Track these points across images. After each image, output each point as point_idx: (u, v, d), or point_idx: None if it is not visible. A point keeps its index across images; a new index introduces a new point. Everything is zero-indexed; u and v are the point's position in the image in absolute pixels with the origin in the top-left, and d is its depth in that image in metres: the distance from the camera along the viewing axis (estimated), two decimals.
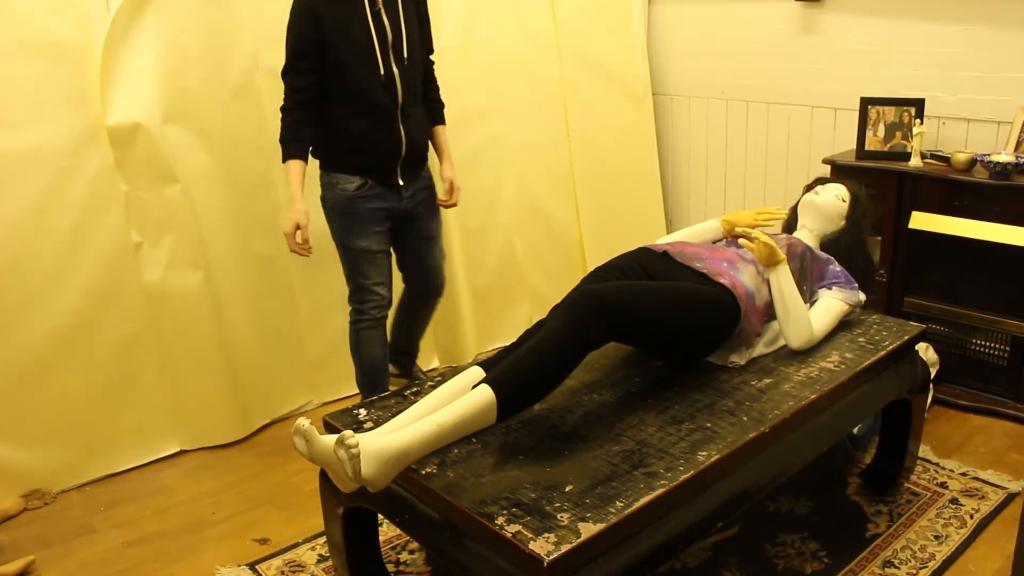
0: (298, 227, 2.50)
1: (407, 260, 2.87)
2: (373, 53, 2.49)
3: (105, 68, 2.58)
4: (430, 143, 2.79)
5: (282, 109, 2.52)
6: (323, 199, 2.67)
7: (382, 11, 2.51)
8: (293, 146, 2.51)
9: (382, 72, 2.51)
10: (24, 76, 2.47)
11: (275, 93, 2.90)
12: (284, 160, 2.52)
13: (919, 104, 3.01)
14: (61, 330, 2.63)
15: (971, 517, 2.37)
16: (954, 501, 2.45)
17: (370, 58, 2.49)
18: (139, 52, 2.63)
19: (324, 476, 1.94)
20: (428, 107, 2.77)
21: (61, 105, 2.54)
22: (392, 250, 2.79)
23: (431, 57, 2.79)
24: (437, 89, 2.83)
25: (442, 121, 2.83)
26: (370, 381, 2.77)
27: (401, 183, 2.65)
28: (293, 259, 3.07)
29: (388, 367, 2.85)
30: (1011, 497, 2.45)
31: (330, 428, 1.95)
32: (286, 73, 2.51)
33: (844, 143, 3.39)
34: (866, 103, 3.09)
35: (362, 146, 2.55)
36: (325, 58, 2.48)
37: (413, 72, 2.61)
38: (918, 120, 2.99)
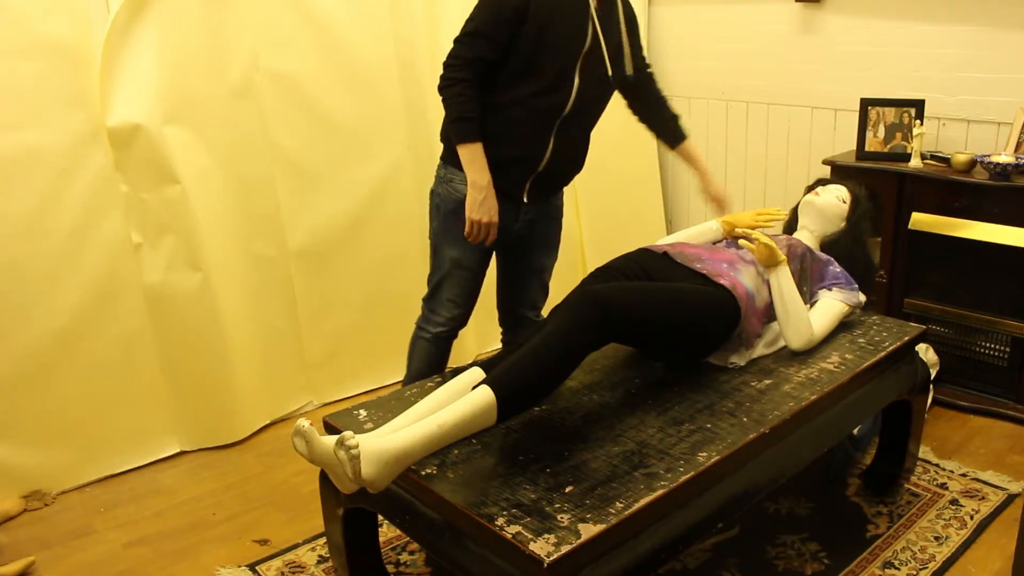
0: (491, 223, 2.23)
1: (503, 287, 2.62)
2: (569, 53, 2.19)
3: (105, 69, 2.58)
4: (684, 158, 2.59)
5: (452, 77, 2.16)
6: (433, 192, 2.41)
7: (593, 17, 2.22)
8: (474, 125, 2.18)
9: (566, 77, 2.21)
10: (24, 77, 2.47)
11: (276, 94, 2.92)
12: (463, 140, 2.19)
13: (919, 105, 3.01)
14: (61, 331, 2.63)
15: (971, 518, 2.37)
16: (954, 502, 2.45)
17: (563, 57, 2.19)
18: (139, 53, 2.62)
19: (324, 477, 1.94)
20: (662, 125, 2.58)
21: (61, 106, 2.54)
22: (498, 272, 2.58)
23: (649, 71, 2.56)
24: (667, 103, 2.59)
25: (683, 135, 2.58)
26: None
27: (525, 200, 2.36)
28: (293, 260, 3.08)
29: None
30: (1011, 498, 2.45)
31: (330, 429, 1.95)
32: (470, 36, 2.16)
33: (844, 144, 3.39)
34: (866, 104, 3.09)
35: (501, 143, 2.24)
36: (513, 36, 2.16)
37: (590, 93, 2.29)
38: (918, 121, 2.99)
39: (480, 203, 2.22)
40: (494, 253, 2.48)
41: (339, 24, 3.01)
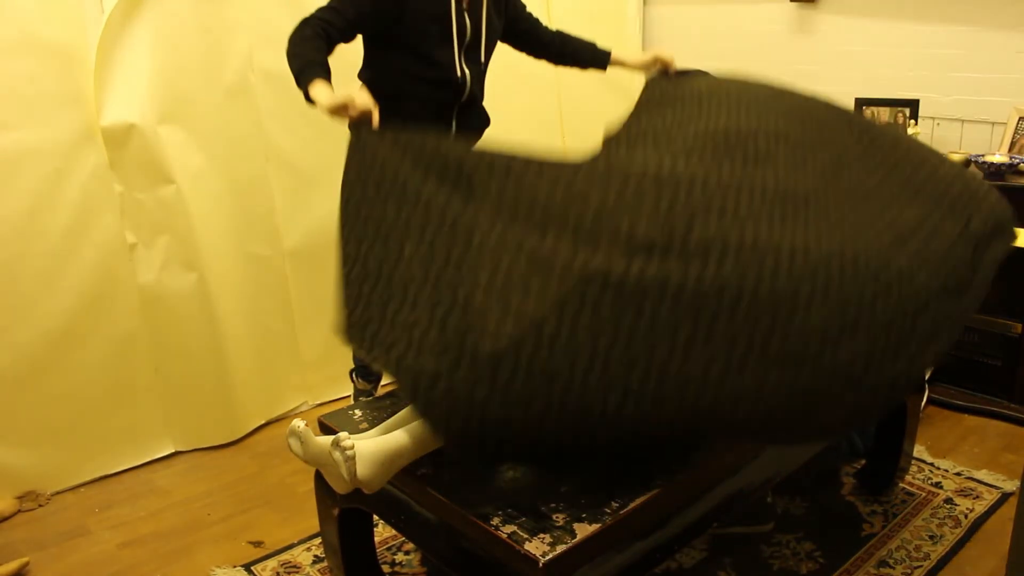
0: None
1: None
2: (450, 49, 2.36)
3: (99, 68, 2.58)
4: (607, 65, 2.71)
5: (304, 26, 2.13)
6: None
7: (466, 12, 2.38)
8: (318, 68, 2.07)
9: (456, 72, 2.39)
10: (18, 76, 2.46)
11: (270, 93, 2.91)
12: (309, 82, 2.04)
13: (914, 105, 3.02)
14: (55, 331, 2.62)
15: (966, 517, 2.38)
16: (949, 501, 2.45)
17: (445, 53, 2.36)
18: (133, 52, 2.62)
19: (319, 477, 1.94)
20: (586, 58, 2.71)
21: (55, 106, 2.53)
22: None
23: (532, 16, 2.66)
24: (573, 37, 2.71)
25: (607, 52, 2.71)
26: None
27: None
28: (288, 260, 3.08)
29: None
30: (1005, 497, 2.46)
31: (325, 429, 1.95)
32: (331, 9, 2.18)
33: None
34: (861, 104, 3.10)
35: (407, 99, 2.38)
36: (394, 38, 2.31)
37: (483, 74, 2.50)
38: (913, 121, 3.00)
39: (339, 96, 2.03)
40: None
41: None
